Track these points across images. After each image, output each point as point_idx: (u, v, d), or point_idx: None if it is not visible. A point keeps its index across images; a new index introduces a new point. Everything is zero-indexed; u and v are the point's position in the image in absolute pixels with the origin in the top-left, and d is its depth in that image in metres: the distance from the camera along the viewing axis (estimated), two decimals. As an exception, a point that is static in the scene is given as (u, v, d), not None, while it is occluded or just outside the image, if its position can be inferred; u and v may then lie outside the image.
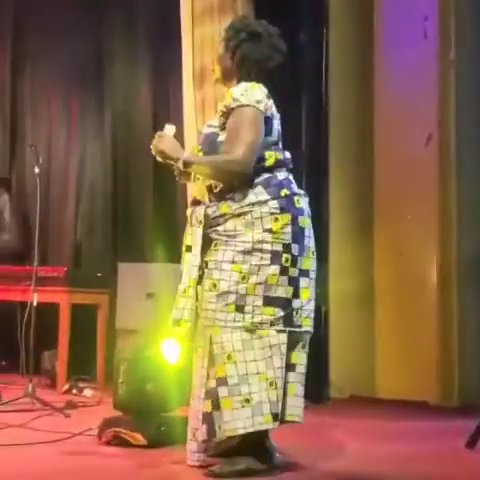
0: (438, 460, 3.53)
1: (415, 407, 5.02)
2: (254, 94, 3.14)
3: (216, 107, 3.54)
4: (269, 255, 3.07)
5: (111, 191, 6.66)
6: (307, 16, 5.57)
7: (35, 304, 4.74)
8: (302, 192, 3.25)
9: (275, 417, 3.05)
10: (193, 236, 3.16)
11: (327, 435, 4.10)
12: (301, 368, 3.17)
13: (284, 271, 3.09)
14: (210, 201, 3.21)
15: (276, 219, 3.10)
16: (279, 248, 3.09)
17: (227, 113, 3.16)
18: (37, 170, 4.83)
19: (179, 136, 5.36)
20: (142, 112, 6.46)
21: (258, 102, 3.13)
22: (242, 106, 3.12)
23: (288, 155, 3.28)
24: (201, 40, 5.23)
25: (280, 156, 3.23)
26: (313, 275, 3.20)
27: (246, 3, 5.25)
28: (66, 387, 5.47)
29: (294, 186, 3.23)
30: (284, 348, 3.08)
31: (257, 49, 3.23)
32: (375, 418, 4.71)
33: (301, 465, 3.27)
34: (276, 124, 3.24)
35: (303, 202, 3.21)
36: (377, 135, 5.62)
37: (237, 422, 3.01)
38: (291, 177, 3.26)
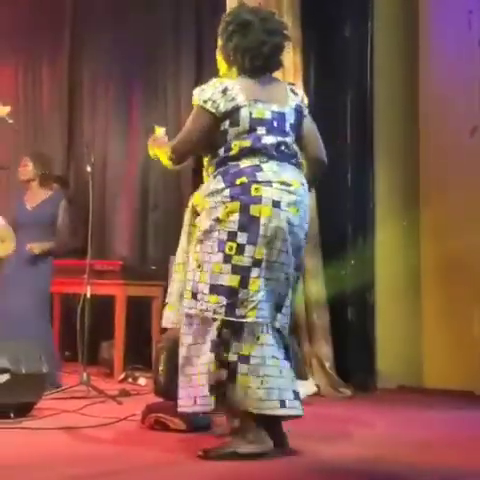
0: (471, 449, 3.55)
1: (461, 397, 5.04)
2: (205, 93, 3.25)
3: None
4: (216, 243, 3.15)
5: (163, 186, 6.80)
6: (352, 9, 5.67)
7: (88, 296, 4.93)
8: (275, 180, 3.15)
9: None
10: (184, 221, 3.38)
11: (356, 422, 4.14)
12: (256, 360, 3.10)
13: (227, 259, 3.11)
14: None
15: (225, 207, 3.15)
16: (224, 236, 3.14)
17: None
18: (89, 169, 5.04)
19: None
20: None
21: (205, 102, 3.23)
22: (193, 105, 3.29)
23: (266, 141, 3.20)
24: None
25: (247, 144, 3.19)
26: (276, 266, 3.17)
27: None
28: (122, 376, 5.67)
29: (262, 174, 3.16)
30: (214, 335, 3.11)
31: (248, 37, 3.27)
32: (419, 407, 4.76)
33: (307, 450, 3.28)
34: (244, 112, 3.21)
35: (266, 191, 3.13)
36: (422, 125, 5.64)
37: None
38: (267, 164, 3.18)
